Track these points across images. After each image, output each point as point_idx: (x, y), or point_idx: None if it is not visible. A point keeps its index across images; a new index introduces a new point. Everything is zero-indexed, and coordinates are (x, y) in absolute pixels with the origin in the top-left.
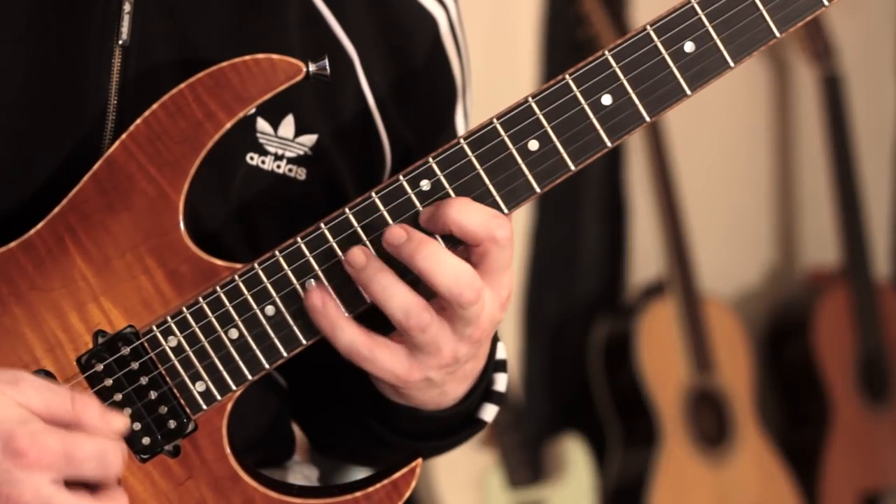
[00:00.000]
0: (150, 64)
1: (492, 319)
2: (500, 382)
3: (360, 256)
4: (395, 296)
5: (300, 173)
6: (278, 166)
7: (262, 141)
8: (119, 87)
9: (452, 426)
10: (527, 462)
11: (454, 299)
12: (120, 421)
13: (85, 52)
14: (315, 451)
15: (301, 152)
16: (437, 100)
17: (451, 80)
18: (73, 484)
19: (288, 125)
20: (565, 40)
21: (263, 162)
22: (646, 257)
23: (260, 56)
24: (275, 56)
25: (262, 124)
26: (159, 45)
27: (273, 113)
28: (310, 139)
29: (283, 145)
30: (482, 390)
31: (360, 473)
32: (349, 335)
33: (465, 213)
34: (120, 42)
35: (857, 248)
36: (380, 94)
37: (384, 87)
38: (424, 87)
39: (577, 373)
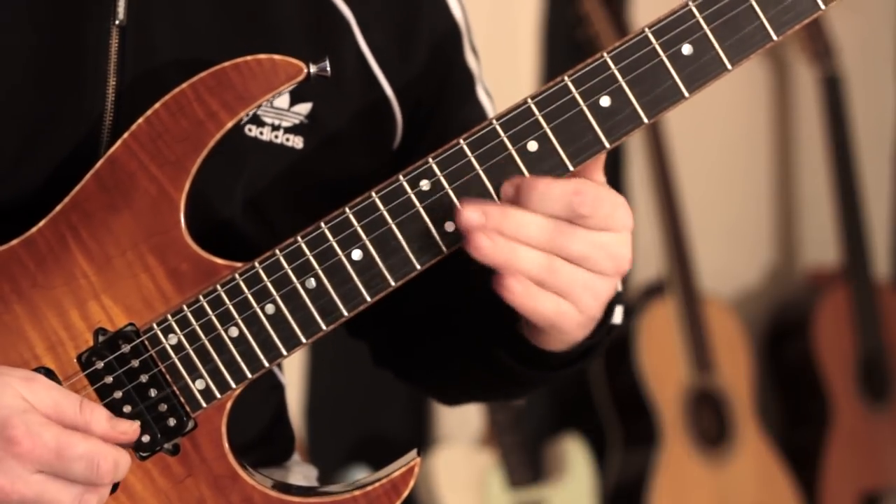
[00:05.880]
0: (146, 43)
1: (615, 252)
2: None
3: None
4: (521, 254)
5: (297, 142)
6: (276, 136)
7: (258, 112)
8: (117, 67)
9: (594, 342)
10: (527, 462)
11: (549, 246)
12: (128, 425)
13: (83, 32)
14: (443, 404)
15: (297, 121)
16: (441, 43)
17: (452, 22)
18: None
19: (283, 95)
20: (565, 40)
21: (261, 133)
22: (646, 257)
23: (262, 56)
24: (276, 56)
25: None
26: (156, 24)
27: None
28: (304, 107)
29: (278, 115)
30: None
31: (360, 472)
32: (549, 302)
33: (546, 196)
34: (116, 22)
35: (857, 248)
36: (380, 51)
37: (384, 43)
38: (426, 35)
39: (578, 373)
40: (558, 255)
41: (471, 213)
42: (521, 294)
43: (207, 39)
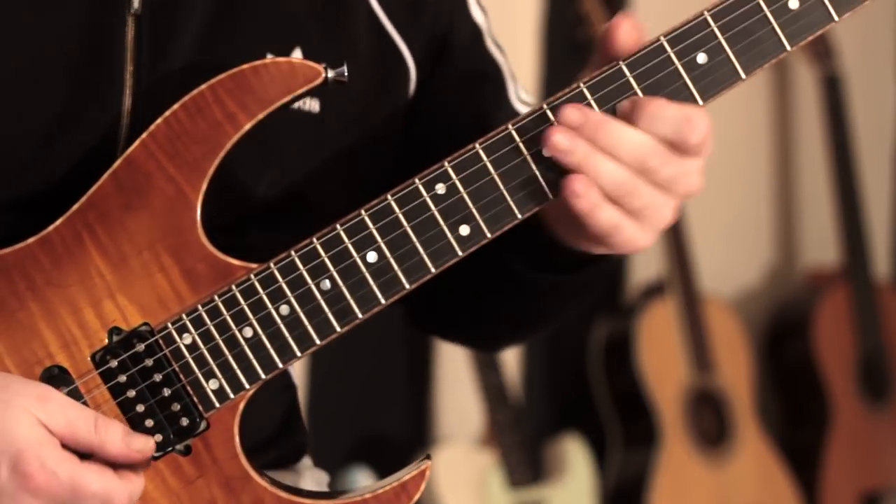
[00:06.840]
0: (162, 32)
1: (695, 181)
2: None
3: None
4: (603, 166)
5: (313, 106)
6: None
7: None
8: (134, 55)
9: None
10: (527, 462)
11: (640, 167)
12: (143, 442)
13: (100, 21)
14: (483, 350)
15: None
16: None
17: None
18: None
19: (296, 57)
20: (565, 40)
21: None
22: (646, 257)
23: (280, 59)
24: (295, 60)
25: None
26: (171, 13)
27: (280, 46)
28: None
29: None
30: None
31: (360, 472)
32: (608, 214)
33: (660, 116)
34: (132, 11)
35: (857, 248)
36: (391, 8)
37: (395, 1)
38: None
39: (577, 373)
40: (647, 177)
41: (571, 112)
42: (588, 203)
43: (219, 33)
